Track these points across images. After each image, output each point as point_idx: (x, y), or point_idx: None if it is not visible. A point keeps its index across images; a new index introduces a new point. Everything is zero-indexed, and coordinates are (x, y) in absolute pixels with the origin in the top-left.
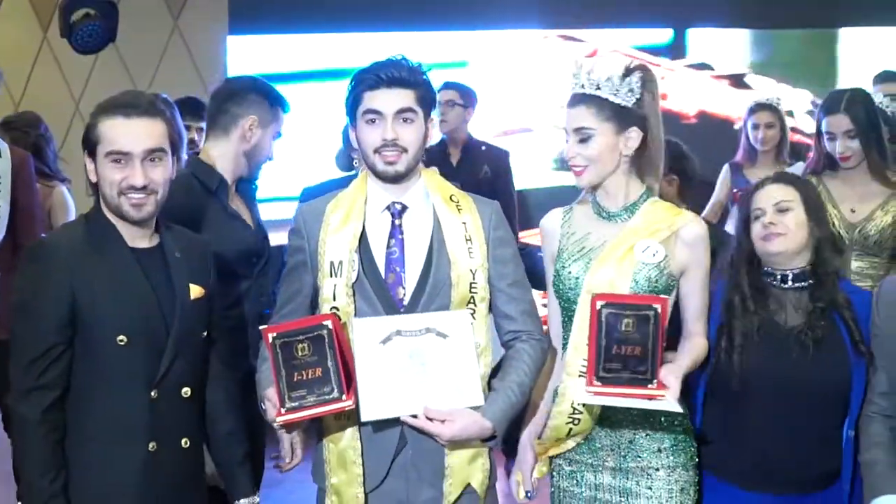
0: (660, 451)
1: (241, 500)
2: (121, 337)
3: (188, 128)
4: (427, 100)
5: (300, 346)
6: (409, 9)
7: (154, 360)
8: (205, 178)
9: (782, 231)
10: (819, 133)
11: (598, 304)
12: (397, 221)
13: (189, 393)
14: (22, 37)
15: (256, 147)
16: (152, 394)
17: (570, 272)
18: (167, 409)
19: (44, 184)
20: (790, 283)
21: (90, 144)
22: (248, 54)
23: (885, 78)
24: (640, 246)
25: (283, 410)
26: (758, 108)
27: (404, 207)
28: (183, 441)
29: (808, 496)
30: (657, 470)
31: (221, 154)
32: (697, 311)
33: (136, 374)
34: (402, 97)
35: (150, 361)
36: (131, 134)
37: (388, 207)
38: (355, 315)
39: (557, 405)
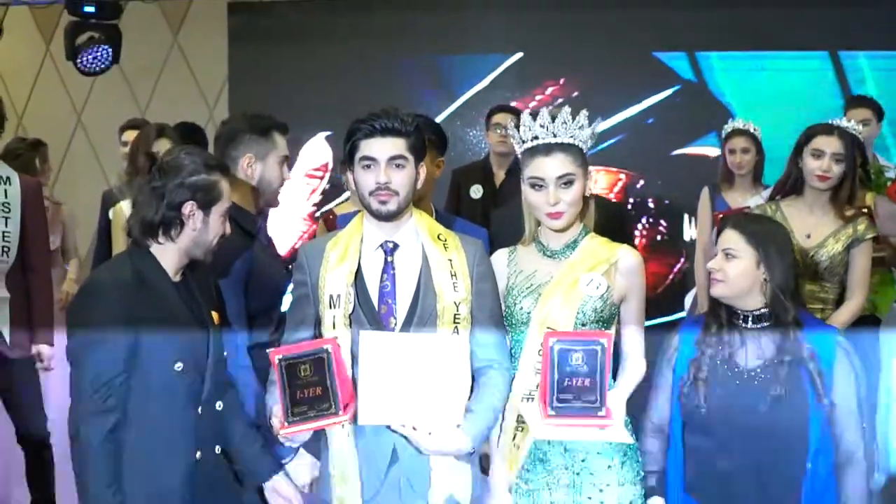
0: (610, 467)
1: (274, 477)
2: (178, 364)
3: None
4: (417, 147)
5: (303, 367)
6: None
7: (200, 380)
8: (243, 223)
9: (721, 278)
10: (799, 152)
11: (551, 340)
12: (389, 258)
13: (221, 406)
14: (25, 50)
15: (263, 180)
16: (199, 409)
17: (521, 307)
18: (207, 422)
19: (52, 202)
20: (749, 322)
21: (206, 200)
22: (248, 66)
23: (856, 103)
24: (584, 280)
25: (286, 424)
26: (734, 133)
27: (396, 245)
28: (216, 448)
29: None
30: (608, 485)
31: (241, 195)
32: (636, 335)
33: (188, 394)
34: (395, 145)
35: (197, 382)
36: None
37: (381, 245)
38: (352, 343)
39: (506, 420)
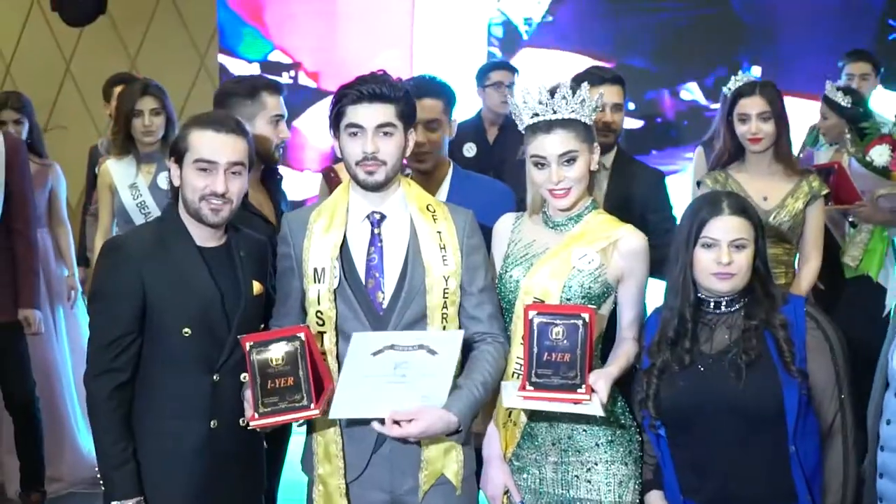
0: (597, 445)
1: None
2: (185, 329)
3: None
4: (406, 114)
5: (274, 355)
6: None
7: (216, 348)
8: None
9: (734, 271)
10: (728, 120)
11: (531, 313)
12: (376, 230)
13: (246, 377)
14: None
15: (255, 140)
16: (214, 377)
17: (511, 276)
18: (227, 392)
19: (40, 164)
20: (723, 307)
21: (178, 151)
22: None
23: (856, 57)
24: (576, 253)
25: (256, 415)
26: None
27: (383, 217)
28: (241, 420)
29: None
30: (596, 464)
31: None
32: (631, 317)
33: (199, 360)
34: (383, 112)
35: (211, 350)
36: (219, 146)
37: (368, 217)
38: (337, 319)
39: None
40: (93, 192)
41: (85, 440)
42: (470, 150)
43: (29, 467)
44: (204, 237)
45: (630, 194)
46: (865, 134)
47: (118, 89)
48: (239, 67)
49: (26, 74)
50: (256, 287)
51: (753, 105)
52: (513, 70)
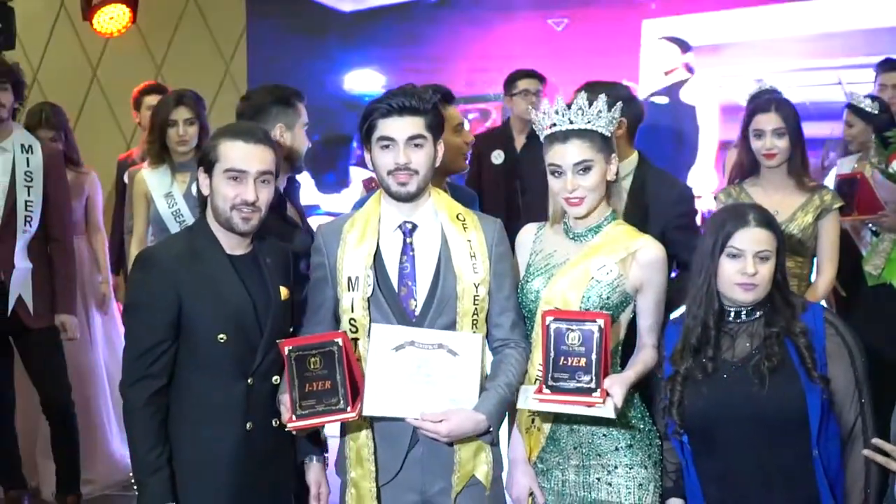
0: (617, 449)
1: (306, 460)
2: (221, 336)
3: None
4: (435, 125)
5: (313, 359)
6: None
7: (249, 353)
8: None
9: (758, 282)
10: (745, 135)
11: (548, 319)
12: (408, 239)
13: (278, 381)
14: (39, 3)
15: (292, 148)
16: (248, 381)
17: (532, 286)
18: (261, 395)
19: (76, 172)
20: (743, 316)
21: (208, 162)
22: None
23: (889, 66)
24: (595, 264)
25: (294, 417)
26: (760, 93)
27: (415, 226)
28: (273, 421)
29: None
30: (616, 467)
31: None
32: (650, 325)
33: (233, 365)
34: (413, 124)
35: (246, 354)
36: (249, 156)
37: (399, 226)
38: (370, 325)
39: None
40: (124, 204)
41: (118, 443)
42: (498, 157)
43: (65, 470)
44: (232, 245)
45: (649, 206)
46: (889, 143)
47: (148, 99)
48: None
49: (53, 81)
50: (283, 292)
51: (769, 121)
52: (540, 78)
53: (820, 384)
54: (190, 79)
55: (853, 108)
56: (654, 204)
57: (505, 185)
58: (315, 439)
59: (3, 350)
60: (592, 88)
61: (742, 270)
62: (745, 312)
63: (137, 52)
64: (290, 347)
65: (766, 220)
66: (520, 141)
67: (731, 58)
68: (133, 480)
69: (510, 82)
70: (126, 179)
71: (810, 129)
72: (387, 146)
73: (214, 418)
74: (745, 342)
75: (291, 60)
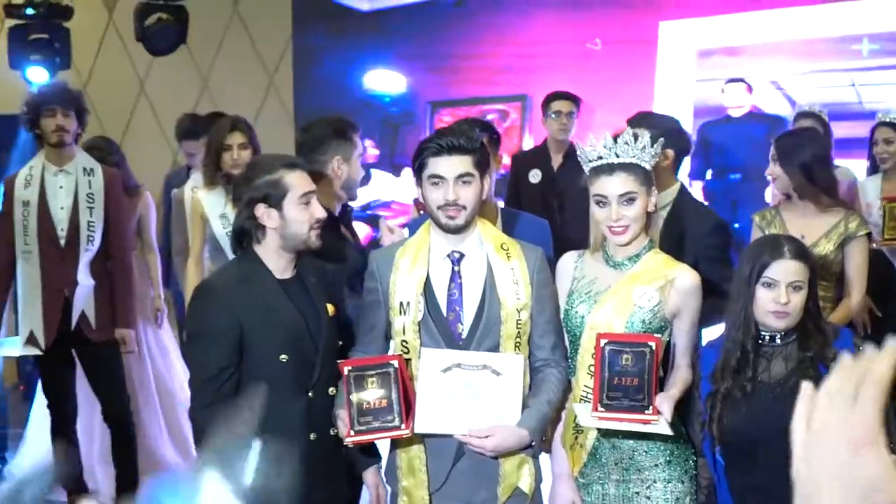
0: (657, 465)
1: (370, 468)
2: (282, 356)
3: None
4: (482, 162)
5: (370, 379)
6: None
7: (308, 369)
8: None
9: (790, 311)
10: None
11: (602, 342)
12: (456, 268)
13: (334, 391)
14: (88, 18)
15: (348, 178)
16: (309, 395)
17: (576, 311)
18: (320, 406)
19: (130, 194)
20: (778, 340)
21: (276, 195)
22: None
23: None
24: (637, 292)
25: (352, 432)
26: (799, 116)
27: (462, 255)
28: (331, 430)
29: None
30: (655, 482)
31: (324, 194)
32: (685, 347)
33: (295, 382)
34: (462, 163)
35: (305, 371)
36: (311, 181)
37: (448, 255)
38: (420, 347)
39: (564, 419)
40: (169, 221)
41: (165, 448)
42: (535, 176)
43: (124, 475)
44: (281, 270)
45: (684, 234)
46: None
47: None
48: None
49: (102, 94)
50: (331, 309)
51: (771, 171)
52: (573, 100)
53: None
54: (236, 92)
55: (888, 124)
56: (689, 233)
57: (542, 203)
58: (371, 450)
59: (66, 362)
60: (645, 120)
61: (776, 299)
62: (779, 337)
63: (184, 65)
64: (350, 368)
65: (801, 252)
66: (556, 160)
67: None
68: None
69: (545, 104)
70: (173, 197)
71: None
72: (437, 183)
73: (279, 431)
74: (781, 365)
75: (336, 72)
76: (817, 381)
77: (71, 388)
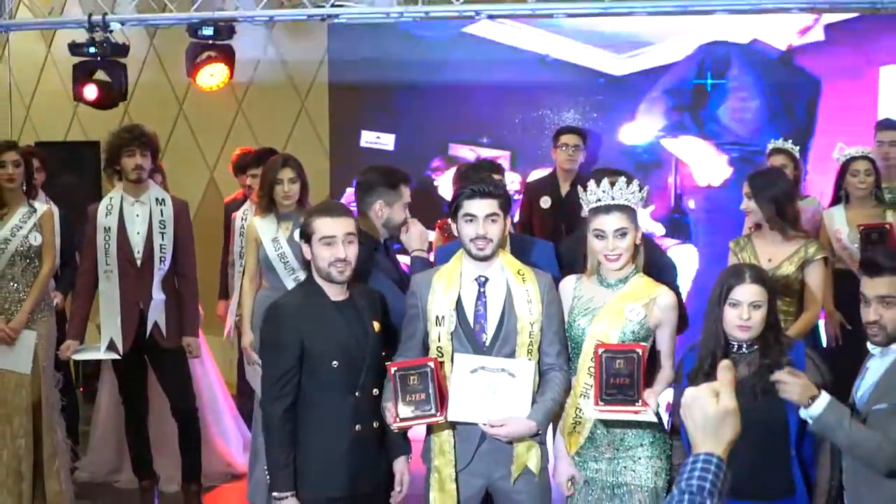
0: (642, 445)
1: (401, 458)
2: (335, 362)
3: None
4: (506, 204)
5: (412, 377)
6: None
7: (355, 374)
8: (366, 243)
9: (752, 325)
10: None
11: (600, 350)
12: (482, 289)
13: (377, 392)
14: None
15: (388, 219)
16: (356, 395)
17: (578, 324)
18: (365, 403)
19: None
20: (744, 349)
21: (307, 234)
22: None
23: (885, 125)
24: (628, 308)
25: (398, 419)
26: (773, 152)
27: (487, 279)
28: (374, 423)
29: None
30: (640, 458)
31: (369, 227)
32: (667, 352)
33: (345, 384)
34: (490, 205)
35: (353, 375)
36: (336, 225)
37: (476, 279)
38: (453, 352)
39: (566, 409)
40: (228, 241)
41: (216, 441)
42: (546, 202)
43: (190, 464)
44: (334, 293)
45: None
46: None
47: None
48: None
49: (143, 114)
50: (377, 326)
51: (746, 206)
52: (579, 133)
53: None
54: (269, 114)
55: (869, 160)
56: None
57: (552, 225)
58: (403, 443)
59: (140, 366)
60: (615, 174)
61: (740, 316)
62: (744, 346)
63: (223, 96)
64: (395, 368)
65: (760, 278)
66: (564, 188)
67: None
68: (267, 473)
69: (555, 137)
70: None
71: None
72: (470, 220)
73: (332, 424)
74: (745, 369)
75: (369, 94)
76: (772, 383)
77: (143, 388)
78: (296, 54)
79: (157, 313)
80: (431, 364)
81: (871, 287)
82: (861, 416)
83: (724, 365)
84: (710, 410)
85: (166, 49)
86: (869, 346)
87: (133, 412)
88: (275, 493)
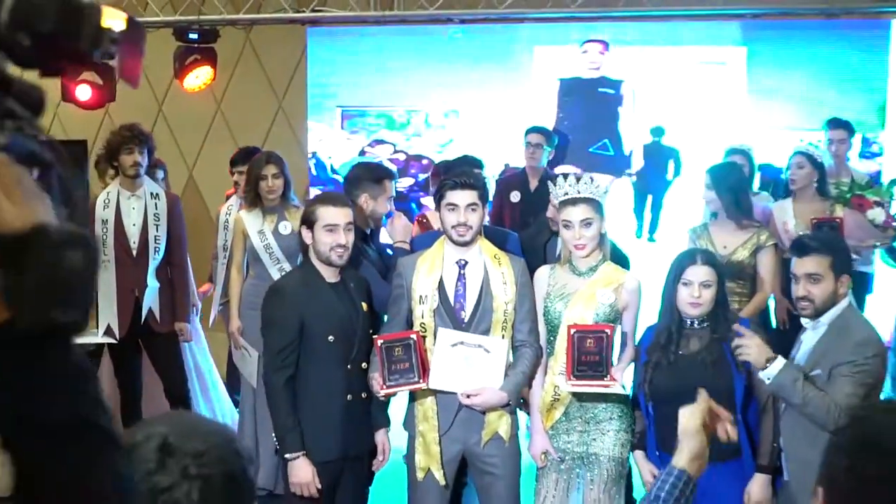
0: (610, 419)
1: (381, 429)
2: (330, 337)
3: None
4: (484, 196)
5: (397, 349)
6: None
7: (348, 348)
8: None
9: (702, 303)
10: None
11: (572, 331)
12: (462, 271)
13: (365, 365)
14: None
15: (373, 211)
16: (348, 367)
17: (555, 308)
18: (356, 375)
19: None
20: (696, 325)
21: (310, 221)
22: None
23: (835, 125)
24: (599, 293)
25: (385, 386)
26: (731, 152)
27: (466, 262)
28: (363, 394)
29: (721, 464)
30: (608, 431)
31: (355, 218)
32: (631, 331)
33: (338, 357)
34: (470, 195)
35: (346, 349)
36: (339, 214)
37: (457, 262)
38: (435, 328)
39: (545, 387)
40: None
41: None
42: (515, 196)
43: None
44: (329, 276)
45: None
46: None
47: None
48: None
49: (124, 114)
50: (364, 306)
51: (705, 195)
52: (545, 133)
53: (744, 373)
54: (247, 114)
55: (805, 155)
56: None
57: (521, 218)
58: (384, 416)
59: (135, 350)
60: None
61: (691, 294)
62: (696, 323)
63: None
64: (382, 341)
65: (709, 260)
66: (533, 183)
67: None
68: (275, 438)
69: (525, 135)
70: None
71: None
72: (452, 209)
73: (326, 392)
74: (696, 342)
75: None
76: (720, 355)
77: (138, 371)
78: (274, 55)
79: (151, 300)
80: (414, 336)
81: (800, 265)
82: None
83: (701, 391)
84: (681, 426)
85: (146, 51)
86: (802, 320)
87: (128, 394)
88: (287, 455)
